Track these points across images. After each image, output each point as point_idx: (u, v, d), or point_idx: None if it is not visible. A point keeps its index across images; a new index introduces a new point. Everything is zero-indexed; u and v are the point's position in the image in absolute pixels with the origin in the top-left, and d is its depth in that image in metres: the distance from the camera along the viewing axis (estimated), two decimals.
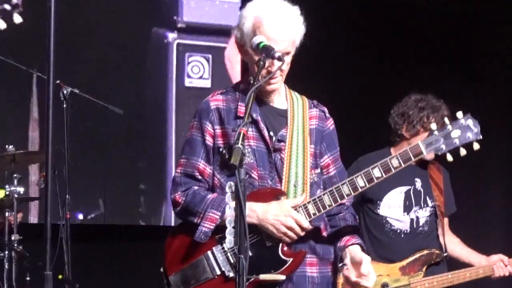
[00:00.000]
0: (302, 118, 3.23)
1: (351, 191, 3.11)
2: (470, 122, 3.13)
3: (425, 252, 4.56)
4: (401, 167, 3.12)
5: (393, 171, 3.12)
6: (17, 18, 2.72)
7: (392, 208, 4.63)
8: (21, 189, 5.45)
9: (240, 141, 2.68)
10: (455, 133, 3.13)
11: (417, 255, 4.54)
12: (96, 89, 6.40)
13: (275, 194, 3.12)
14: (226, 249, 3.11)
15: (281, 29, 3.08)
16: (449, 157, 3.27)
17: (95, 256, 6.72)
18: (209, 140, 3.16)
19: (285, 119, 3.20)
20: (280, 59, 2.97)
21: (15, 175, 5.44)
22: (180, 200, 3.17)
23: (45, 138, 2.68)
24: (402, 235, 4.62)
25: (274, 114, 3.20)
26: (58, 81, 5.25)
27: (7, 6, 2.67)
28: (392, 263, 4.54)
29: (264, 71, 3.02)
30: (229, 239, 2.74)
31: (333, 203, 3.11)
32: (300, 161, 3.17)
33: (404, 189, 4.64)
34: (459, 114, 3.15)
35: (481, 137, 3.15)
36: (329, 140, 3.29)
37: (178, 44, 7.38)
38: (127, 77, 7.15)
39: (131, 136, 6.81)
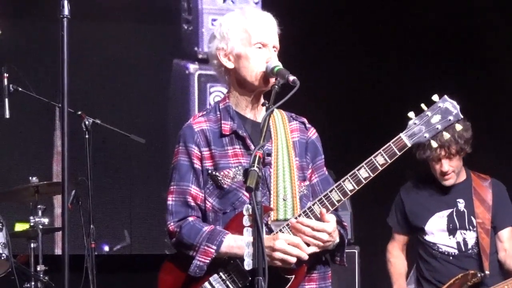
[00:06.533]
0: (284, 131, 3.23)
1: (341, 197, 3.06)
2: (448, 104, 3.04)
3: (460, 275, 4.51)
4: (387, 164, 3.03)
5: (380, 169, 3.03)
6: None
7: (437, 233, 4.61)
8: (45, 220, 5.49)
9: (256, 164, 2.69)
10: (436, 118, 3.04)
11: (452, 280, 4.51)
12: (118, 119, 6.48)
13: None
14: (224, 277, 3.07)
15: (269, 30, 3.17)
16: (434, 144, 3.25)
17: (122, 286, 6.74)
18: (197, 164, 3.14)
19: (268, 133, 3.17)
20: (294, 82, 2.99)
21: (39, 206, 5.47)
22: (174, 231, 3.14)
23: (61, 167, 2.72)
24: (451, 258, 4.59)
25: (258, 129, 3.10)
26: (79, 112, 5.30)
27: None
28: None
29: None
30: (247, 261, 2.77)
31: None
32: (287, 174, 3.16)
33: (446, 213, 4.60)
34: (435, 97, 3.05)
35: (462, 117, 3.05)
36: (313, 149, 3.29)
37: (199, 75, 7.44)
38: (149, 108, 7.22)
39: (154, 166, 6.84)
